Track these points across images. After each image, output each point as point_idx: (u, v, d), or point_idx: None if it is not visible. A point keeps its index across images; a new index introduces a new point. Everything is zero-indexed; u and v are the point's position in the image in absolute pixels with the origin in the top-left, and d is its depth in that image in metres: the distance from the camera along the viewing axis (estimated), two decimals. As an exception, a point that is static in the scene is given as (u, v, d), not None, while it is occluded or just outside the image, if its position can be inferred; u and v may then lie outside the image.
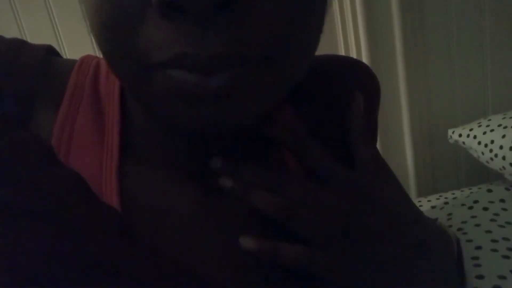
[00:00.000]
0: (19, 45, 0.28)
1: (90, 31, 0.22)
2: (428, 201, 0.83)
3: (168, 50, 0.19)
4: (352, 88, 0.34)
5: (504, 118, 0.80)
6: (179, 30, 0.18)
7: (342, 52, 0.97)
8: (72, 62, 0.30)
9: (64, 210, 0.22)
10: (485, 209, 0.57)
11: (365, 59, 0.93)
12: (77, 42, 0.95)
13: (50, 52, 0.30)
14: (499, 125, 0.78)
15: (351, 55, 0.96)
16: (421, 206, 0.81)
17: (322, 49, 0.32)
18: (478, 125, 0.83)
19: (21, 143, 0.24)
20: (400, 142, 1.01)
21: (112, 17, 0.19)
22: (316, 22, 0.22)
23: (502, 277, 0.40)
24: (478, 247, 0.46)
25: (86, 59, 0.30)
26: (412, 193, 1.03)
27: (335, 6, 0.94)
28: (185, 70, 0.19)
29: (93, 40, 0.22)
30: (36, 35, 0.94)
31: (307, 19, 0.21)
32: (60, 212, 0.22)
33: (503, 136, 0.75)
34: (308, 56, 0.24)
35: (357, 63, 0.37)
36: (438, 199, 0.82)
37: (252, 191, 0.27)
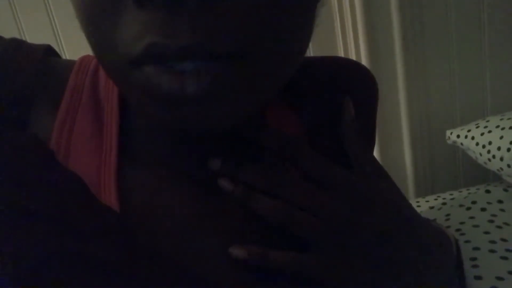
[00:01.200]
0: (17, 45, 0.28)
1: (81, 29, 0.22)
2: (426, 201, 0.83)
3: (140, 42, 0.18)
4: (351, 90, 0.34)
5: (502, 119, 0.80)
6: (151, 20, 0.18)
7: (341, 53, 0.97)
8: (71, 62, 0.30)
9: (63, 211, 0.22)
10: (483, 210, 0.57)
11: (364, 61, 0.93)
12: (76, 42, 0.94)
13: (49, 52, 0.30)
14: (497, 126, 0.79)
15: (350, 57, 0.96)
16: (419, 206, 0.81)
17: (321, 50, 0.32)
18: (476, 126, 0.83)
19: (21, 145, 0.24)
20: (398, 143, 1.01)
21: (91, 10, 0.19)
22: (302, 20, 0.22)
23: (500, 278, 0.41)
24: (476, 248, 0.46)
25: (85, 60, 0.30)
26: (411, 193, 1.03)
27: (334, 6, 0.94)
28: (157, 65, 0.19)
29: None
30: (35, 35, 0.94)
31: (291, 15, 0.20)
32: (59, 213, 0.22)
33: (501, 137, 0.75)
34: (294, 57, 0.23)
35: (355, 65, 0.37)
36: (436, 199, 0.83)
37: (251, 195, 0.27)
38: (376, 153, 0.99)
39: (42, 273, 0.19)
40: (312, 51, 0.93)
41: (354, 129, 0.32)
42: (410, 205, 0.32)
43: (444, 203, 0.65)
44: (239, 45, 0.19)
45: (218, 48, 0.18)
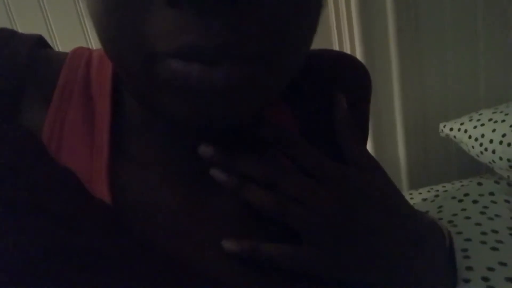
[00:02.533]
0: (8, 35, 0.27)
1: (90, 17, 0.22)
2: (419, 193, 0.84)
3: (174, 41, 0.18)
4: (343, 83, 0.34)
5: (494, 112, 0.81)
6: (184, 19, 0.18)
7: (335, 46, 0.97)
8: (63, 55, 0.29)
9: (56, 205, 0.22)
10: (475, 202, 0.57)
11: (358, 54, 0.93)
12: (68, 33, 0.93)
13: (40, 43, 0.29)
14: (490, 119, 0.79)
15: (344, 49, 0.96)
16: (412, 198, 0.82)
17: (316, 44, 0.32)
18: (469, 119, 0.84)
19: (12, 138, 0.23)
20: (392, 135, 1.02)
21: (117, 3, 0.19)
22: (315, 18, 0.22)
23: (491, 269, 0.41)
24: (468, 239, 0.47)
25: (77, 52, 0.30)
26: (404, 185, 1.04)
27: (329, -1, 0.94)
28: (188, 61, 0.19)
29: (92, 25, 0.22)
30: (27, 26, 0.93)
31: (307, 12, 0.21)
32: (52, 207, 0.22)
33: (493, 130, 0.76)
34: (306, 51, 0.24)
35: (349, 58, 0.37)
36: (429, 191, 0.83)
37: (245, 185, 0.27)
38: (370, 146, 0.99)
39: (35, 266, 0.19)
40: (306, 44, 0.92)
41: (347, 122, 0.32)
42: (403, 197, 0.32)
43: (437, 195, 0.65)
44: (267, 45, 0.20)
45: (250, 49, 0.19)
